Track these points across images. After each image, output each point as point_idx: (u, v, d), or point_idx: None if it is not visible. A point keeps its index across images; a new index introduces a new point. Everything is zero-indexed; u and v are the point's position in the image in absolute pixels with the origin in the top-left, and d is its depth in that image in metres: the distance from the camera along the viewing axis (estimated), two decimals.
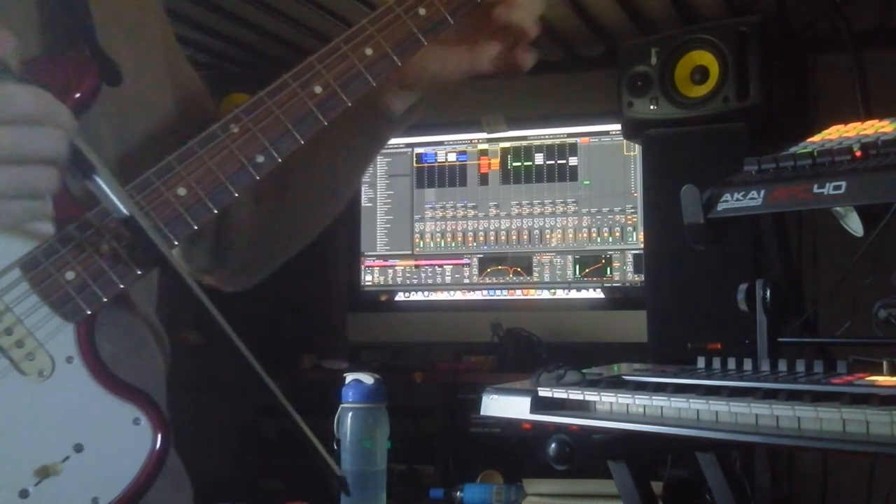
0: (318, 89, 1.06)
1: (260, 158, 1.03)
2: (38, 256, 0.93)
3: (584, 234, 2.83)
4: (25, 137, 0.85)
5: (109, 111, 1.01)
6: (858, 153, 1.27)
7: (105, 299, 0.95)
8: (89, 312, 0.95)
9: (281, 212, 1.20)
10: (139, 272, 0.97)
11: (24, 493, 0.90)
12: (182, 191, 0.99)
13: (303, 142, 1.05)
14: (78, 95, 0.96)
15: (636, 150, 2.68)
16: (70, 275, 0.94)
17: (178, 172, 0.99)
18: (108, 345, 0.96)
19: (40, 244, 0.93)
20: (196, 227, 0.99)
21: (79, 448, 0.93)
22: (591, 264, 2.82)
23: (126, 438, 0.95)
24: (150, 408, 0.96)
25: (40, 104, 0.86)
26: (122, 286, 0.96)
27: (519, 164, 2.92)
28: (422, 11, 1.11)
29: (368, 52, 1.09)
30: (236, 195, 1.01)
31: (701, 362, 1.37)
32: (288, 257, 1.25)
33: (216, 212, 1.01)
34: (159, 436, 0.95)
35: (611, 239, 2.81)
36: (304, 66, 1.07)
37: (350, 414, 1.63)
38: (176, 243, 0.99)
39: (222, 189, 1.01)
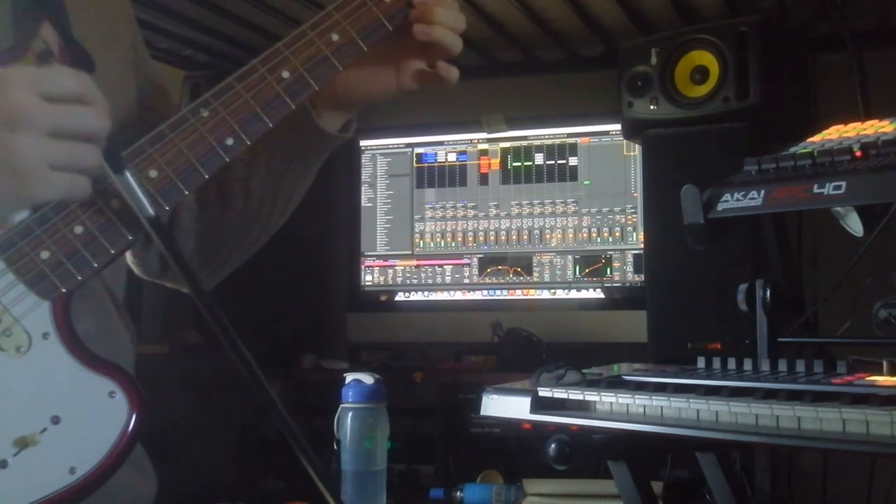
0: (285, 74, 1.09)
1: (229, 141, 1.05)
2: (13, 237, 0.96)
3: (584, 234, 2.83)
4: (73, 113, 0.90)
5: None
6: (858, 153, 1.27)
7: (80, 278, 0.98)
8: (64, 290, 0.97)
9: (223, 221, 1.23)
10: (112, 252, 1.00)
11: (3, 464, 0.93)
12: (153, 173, 1.02)
13: (271, 125, 1.08)
14: None
15: (636, 150, 2.68)
16: (45, 254, 0.97)
17: (150, 155, 1.02)
18: (82, 325, 0.99)
19: (15, 225, 0.96)
20: (168, 209, 1.02)
21: (56, 420, 0.95)
22: (591, 264, 2.82)
23: (102, 410, 0.97)
24: (126, 382, 0.99)
25: (82, 83, 0.91)
26: (96, 265, 0.99)
27: (519, 164, 2.92)
28: None
29: (335, 37, 1.12)
30: (206, 177, 1.04)
31: (701, 362, 1.37)
32: (237, 265, 1.28)
33: (187, 193, 1.03)
34: (135, 408, 0.98)
35: (611, 239, 2.81)
36: (272, 51, 1.10)
37: (350, 414, 1.63)
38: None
39: (193, 171, 1.03)
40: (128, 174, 0.96)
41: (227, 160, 1.05)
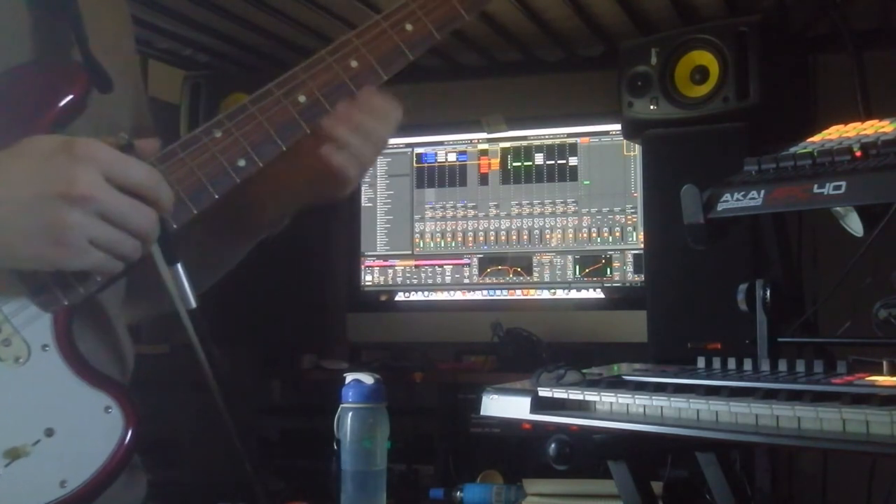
0: (302, 98, 1.07)
1: (241, 162, 1.04)
2: None
3: (584, 234, 2.83)
4: (130, 207, 0.93)
5: (86, 122, 1.03)
6: (858, 153, 1.27)
7: (82, 291, 0.98)
8: (66, 303, 0.97)
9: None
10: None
11: None
12: None
13: (284, 148, 1.07)
14: (69, 99, 0.98)
15: (636, 150, 2.68)
16: None
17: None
18: (81, 338, 0.99)
19: None
20: (175, 227, 1.02)
21: (50, 432, 0.95)
22: (591, 264, 2.82)
23: (97, 425, 0.97)
24: (123, 398, 0.98)
25: (152, 180, 0.95)
26: (99, 279, 0.98)
27: (519, 164, 2.91)
28: (409, 27, 1.12)
29: (353, 64, 1.10)
30: (216, 197, 1.03)
31: (701, 362, 1.37)
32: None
33: (196, 212, 1.02)
34: (130, 425, 0.98)
35: (611, 239, 2.81)
36: (289, 76, 1.08)
37: (350, 414, 1.63)
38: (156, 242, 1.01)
39: (203, 191, 1.03)
40: (179, 267, 0.98)
41: (238, 181, 1.05)
